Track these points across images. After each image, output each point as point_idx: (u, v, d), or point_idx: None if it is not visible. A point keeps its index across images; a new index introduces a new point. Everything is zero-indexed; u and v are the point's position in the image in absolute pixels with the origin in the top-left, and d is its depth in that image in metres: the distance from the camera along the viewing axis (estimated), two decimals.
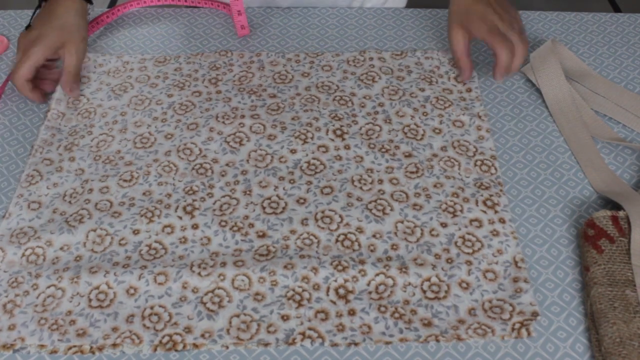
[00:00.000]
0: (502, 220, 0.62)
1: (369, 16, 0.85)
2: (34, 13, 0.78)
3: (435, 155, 0.68)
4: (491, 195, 0.64)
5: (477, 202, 0.63)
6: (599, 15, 0.86)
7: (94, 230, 0.62)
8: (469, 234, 0.61)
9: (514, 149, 0.69)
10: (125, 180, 0.66)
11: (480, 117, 0.71)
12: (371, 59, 0.78)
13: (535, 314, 0.55)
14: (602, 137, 0.69)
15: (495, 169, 0.66)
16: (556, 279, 0.59)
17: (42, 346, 0.55)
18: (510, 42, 0.70)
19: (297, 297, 0.57)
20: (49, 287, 0.58)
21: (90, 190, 0.65)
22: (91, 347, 0.55)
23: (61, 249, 0.61)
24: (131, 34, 0.84)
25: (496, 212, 0.63)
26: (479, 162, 0.67)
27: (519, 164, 0.68)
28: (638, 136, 0.70)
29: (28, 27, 0.75)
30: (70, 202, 0.64)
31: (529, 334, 0.54)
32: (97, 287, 0.58)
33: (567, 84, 0.73)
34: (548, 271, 0.59)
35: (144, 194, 0.65)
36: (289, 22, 0.85)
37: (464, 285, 0.57)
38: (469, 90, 0.74)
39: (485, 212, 0.63)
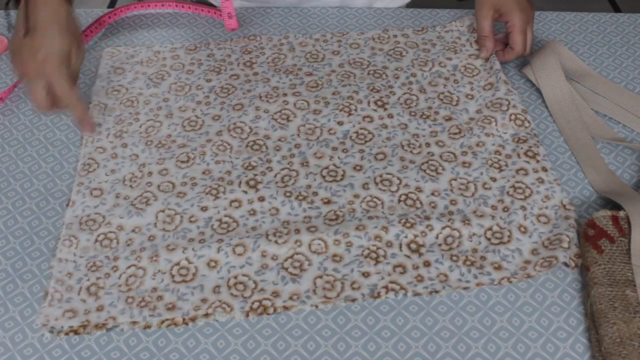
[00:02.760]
0: (544, 169, 0.66)
1: (369, 16, 0.86)
2: (24, 12, 0.68)
3: (472, 118, 0.72)
4: (530, 147, 0.68)
5: (518, 154, 0.68)
6: (599, 15, 0.86)
7: (163, 211, 0.63)
8: (518, 182, 0.65)
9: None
10: (182, 162, 0.68)
11: (503, 72, 0.76)
12: (395, 35, 0.82)
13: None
14: (602, 137, 0.70)
15: (529, 122, 0.71)
16: (556, 279, 0.59)
17: (134, 323, 0.56)
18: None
19: (374, 255, 0.60)
20: (129, 267, 0.59)
21: (150, 173, 0.67)
22: (184, 319, 0.56)
23: (133, 231, 0.62)
24: (131, 34, 0.83)
25: (537, 161, 0.67)
26: (512, 117, 0.71)
27: None
28: (638, 136, 0.71)
29: (26, 33, 0.65)
30: (131, 186, 0.66)
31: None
32: (178, 264, 0.59)
33: (567, 84, 0.73)
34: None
35: (203, 173, 0.67)
36: (288, 22, 0.85)
37: (523, 229, 0.62)
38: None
39: (528, 162, 0.67)
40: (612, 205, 0.63)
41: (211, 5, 0.88)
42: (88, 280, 0.58)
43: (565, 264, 0.58)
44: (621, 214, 0.60)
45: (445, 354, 0.54)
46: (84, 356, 0.54)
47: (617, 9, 1.89)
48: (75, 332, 0.55)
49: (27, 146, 0.70)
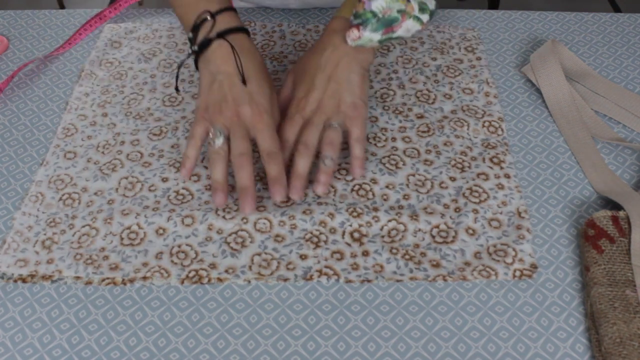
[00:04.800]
0: (507, 176, 0.66)
1: None
2: (195, 55, 0.64)
3: (445, 117, 0.72)
4: (497, 154, 0.68)
5: (484, 159, 0.67)
6: (599, 15, 0.86)
7: (126, 178, 0.66)
8: (476, 185, 0.65)
9: (514, 149, 0.69)
10: (154, 134, 0.71)
11: (488, 83, 0.75)
12: None
13: (534, 266, 0.59)
14: (602, 137, 0.69)
15: (502, 130, 0.70)
16: (556, 279, 0.59)
17: (77, 278, 0.59)
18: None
19: (315, 239, 0.61)
20: (84, 226, 0.62)
21: (122, 142, 0.70)
22: (123, 280, 0.59)
23: (95, 194, 0.65)
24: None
25: (502, 168, 0.66)
26: (487, 124, 0.70)
27: (519, 164, 0.68)
28: (638, 136, 0.71)
29: (243, 80, 0.61)
30: (103, 152, 0.69)
31: (529, 277, 0.58)
32: (129, 228, 0.62)
33: (567, 84, 0.73)
34: (548, 271, 0.59)
35: (172, 146, 0.69)
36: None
37: (470, 231, 0.61)
38: (479, 58, 0.78)
39: (491, 167, 0.66)
40: (612, 205, 0.63)
41: None
42: (45, 234, 0.62)
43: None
44: (621, 214, 0.60)
45: (445, 354, 0.54)
46: (84, 356, 0.54)
47: (617, 9, 1.83)
48: (23, 280, 0.59)
49: (28, 146, 0.71)
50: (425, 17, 0.61)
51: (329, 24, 0.67)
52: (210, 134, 0.61)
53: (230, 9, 0.65)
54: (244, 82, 0.61)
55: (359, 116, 0.63)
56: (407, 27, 0.61)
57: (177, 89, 0.67)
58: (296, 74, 0.66)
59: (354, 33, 0.62)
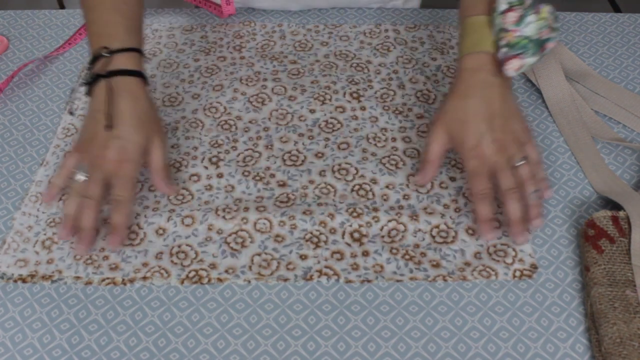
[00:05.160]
0: None
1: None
2: (106, 102, 0.61)
3: None
4: None
5: None
6: (599, 15, 0.86)
7: None
8: None
9: None
10: None
11: None
12: (386, 30, 0.83)
13: (534, 266, 0.59)
14: (602, 137, 0.69)
15: None
16: (556, 279, 0.59)
17: (77, 278, 0.59)
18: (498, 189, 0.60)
19: (315, 240, 0.61)
20: None
21: None
22: (123, 280, 0.59)
23: None
24: None
25: None
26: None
27: None
28: (638, 136, 0.70)
29: (108, 125, 0.60)
30: None
31: (530, 277, 0.58)
32: (129, 228, 0.62)
33: (567, 84, 0.73)
34: (548, 271, 0.59)
35: (172, 147, 0.69)
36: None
37: (470, 231, 0.61)
38: None
39: None
40: (612, 205, 0.63)
41: None
42: (45, 234, 0.62)
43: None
44: (621, 214, 0.60)
45: (445, 354, 0.54)
46: (84, 356, 0.54)
47: (617, 9, 1.83)
48: (23, 280, 0.59)
49: (27, 146, 0.71)
50: (557, 25, 0.62)
51: (459, 64, 0.64)
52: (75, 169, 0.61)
53: (136, 50, 0.64)
54: (108, 126, 0.60)
55: (531, 138, 0.62)
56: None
57: (70, 112, 0.68)
58: (449, 125, 0.62)
59: (514, 63, 0.60)
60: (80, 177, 0.60)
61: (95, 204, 0.59)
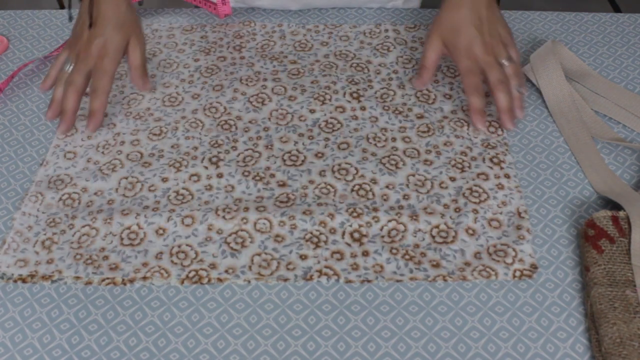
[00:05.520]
0: (507, 176, 0.66)
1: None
2: (89, 5, 0.72)
3: (445, 117, 0.72)
4: (497, 154, 0.68)
5: (484, 159, 0.67)
6: (599, 15, 0.86)
7: (126, 178, 0.66)
8: (476, 186, 0.65)
9: (514, 149, 0.69)
10: (154, 134, 0.71)
11: None
12: (386, 30, 0.83)
13: (534, 267, 0.59)
14: (602, 137, 0.69)
15: (502, 130, 0.70)
16: (556, 279, 0.59)
17: (77, 278, 0.59)
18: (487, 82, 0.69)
19: (315, 240, 0.61)
20: (83, 226, 0.62)
21: (122, 142, 0.70)
22: (123, 280, 0.59)
23: (95, 194, 0.65)
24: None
25: (502, 168, 0.66)
26: (486, 123, 0.70)
27: (519, 164, 0.68)
28: (638, 136, 0.70)
29: (90, 24, 0.71)
30: (103, 152, 0.69)
31: (530, 277, 0.58)
32: (129, 228, 0.62)
33: (567, 84, 0.73)
34: (548, 271, 0.59)
35: (172, 146, 0.69)
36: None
37: (470, 231, 0.61)
38: None
39: (491, 167, 0.66)
40: (612, 205, 0.63)
41: None
42: (45, 234, 0.62)
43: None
44: (621, 214, 0.59)
45: (445, 354, 0.54)
46: (84, 356, 0.54)
47: (617, 9, 1.84)
48: (23, 280, 0.59)
49: (27, 146, 0.71)
50: None
51: None
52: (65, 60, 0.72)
53: None
54: (91, 25, 0.70)
55: (513, 40, 0.72)
56: None
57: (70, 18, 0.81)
58: (443, 33, 0.71)
59: None
60: (68, 67, 0.71)
61: (77, 90, 0.69)
